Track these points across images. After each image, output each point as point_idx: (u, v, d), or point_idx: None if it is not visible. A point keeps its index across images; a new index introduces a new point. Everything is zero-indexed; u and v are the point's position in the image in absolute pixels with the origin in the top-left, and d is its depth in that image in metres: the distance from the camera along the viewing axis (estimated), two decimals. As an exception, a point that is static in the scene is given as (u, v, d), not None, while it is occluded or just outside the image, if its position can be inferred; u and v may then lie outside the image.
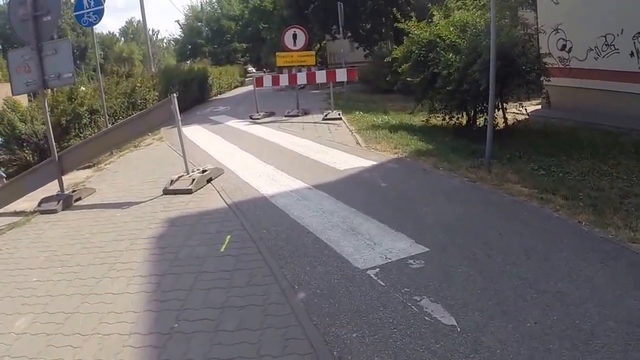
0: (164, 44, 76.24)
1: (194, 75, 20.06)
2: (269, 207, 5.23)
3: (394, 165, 6.72)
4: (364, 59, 29.26)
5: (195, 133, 11.59)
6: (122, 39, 74.76)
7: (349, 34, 29.51)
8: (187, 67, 22.87)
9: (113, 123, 10.74)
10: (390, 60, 11.63)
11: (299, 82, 12.67)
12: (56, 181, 6.57)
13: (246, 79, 35.55)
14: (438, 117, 10.20)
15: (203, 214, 5.28)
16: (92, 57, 62.55)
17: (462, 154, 7.23)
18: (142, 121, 6.15)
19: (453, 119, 10.07)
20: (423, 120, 10.91)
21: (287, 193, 5.66)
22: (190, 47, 54.61)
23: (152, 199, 6.19)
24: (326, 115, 11.82)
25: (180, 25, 55.28)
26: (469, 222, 4.40)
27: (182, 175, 6.41)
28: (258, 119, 12.90)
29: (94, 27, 10.62)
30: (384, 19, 27.80)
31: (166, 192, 6.26)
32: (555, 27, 9.93)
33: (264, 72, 52.15)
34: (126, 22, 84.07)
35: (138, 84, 12.20)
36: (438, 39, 9.51)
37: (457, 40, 9.05)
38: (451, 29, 9.40)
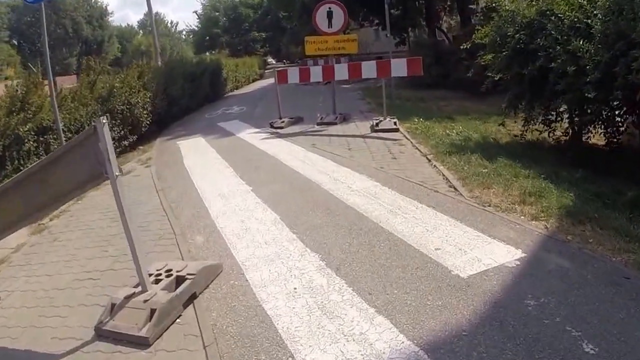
0: (183, 36, 74.03)
1: (204, 68, 16.77)
2: None
3: (562, 263, 3.21)
4: (394, 49, 26.95)
5: (195, 153, 8.29)
6: (141, 31, 72.78)
7: (376, 21, 26.90)
8: (197, 59, 19.63)
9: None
10: (467, 46, 8.18)
11: (337, 77, 9.21)
12: None
13: (266, 71, 32.22)
14: (536, 129, 7.45)
15: None
16: (109, 50, 60.46)
17: (624, 210, 4.22)
18: (38, 184, 2.83)
19: (556, 132, 7.43)
20: (516, 136, 7.87)
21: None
22: (207, 38, 52.06)
23: (72, 352, 2.92)
24: (377, 125, 8.39)
25: (197, 15, 52.68)
26: None
27: (134, 293, 3.08)
28: (281, 127, 9.56)
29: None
30: (417, 2, 25.17)
31: (100, 333, 2.96)
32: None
33: (284, 64, 48.98)
34: (144, 14, 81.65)
35: (117, 84, 8.89)
36: (549, 18, 6.21)
37: (589, 20, 5.72)
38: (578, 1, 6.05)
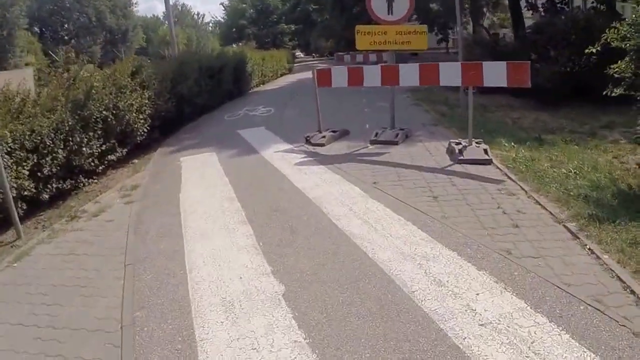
0: (210, 28, 72.13)
1: (225, 61, 14.34)
2: None
3: None
4: (436, 46, 25.18)
5: (199, 180, 5.86)
6: (166, 22, 71.38)
7: (415, 16, 24.70)
8: (218, 51, 17.22)
9: (33, 171, 5.25)
10: (595, 50, 5.43)
11: (403, 83, 6.63)
12: None
13: (294, 65, 29.72)
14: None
15: None
16: (134, 40, 58.86)
17: None
18: None
19: None
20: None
21: None
22: (234, 30, 49.99)
23: None
24: (460, 152, 5.81)
25: (224, 7, 50.68)
26: None
27: None
28: (322, 145, 7.09)
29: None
30: (461, -4, 22.76)
31: None
32: None
33: (313, 57, 46.35)
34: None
35: (96, 83, 6.44)
36: None
37: None
38: None
